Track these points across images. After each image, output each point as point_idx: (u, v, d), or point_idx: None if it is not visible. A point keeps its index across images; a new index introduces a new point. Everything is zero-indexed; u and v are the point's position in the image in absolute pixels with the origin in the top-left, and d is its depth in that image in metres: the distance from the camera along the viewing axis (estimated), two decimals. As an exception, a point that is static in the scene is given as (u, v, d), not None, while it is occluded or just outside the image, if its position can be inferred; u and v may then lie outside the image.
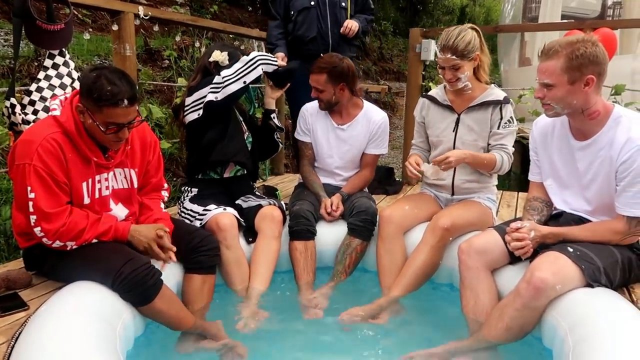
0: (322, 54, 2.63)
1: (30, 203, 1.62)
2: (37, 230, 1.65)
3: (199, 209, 2.24)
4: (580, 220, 1.84)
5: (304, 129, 2.65)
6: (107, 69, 1.66)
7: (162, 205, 2.07)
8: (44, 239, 1.67)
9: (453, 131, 2.27)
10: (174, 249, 1.85)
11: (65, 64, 2.19)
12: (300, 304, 2.12)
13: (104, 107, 1.62)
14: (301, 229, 2.31)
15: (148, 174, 2.01)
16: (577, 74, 1.64)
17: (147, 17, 2.69)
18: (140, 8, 2.65)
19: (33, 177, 1.61)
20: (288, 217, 2.39)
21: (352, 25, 3.01)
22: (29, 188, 1.61)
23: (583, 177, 1.81)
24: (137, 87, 2.77)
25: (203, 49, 2.95)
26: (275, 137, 2.57)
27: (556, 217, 1.93)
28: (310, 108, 2.65)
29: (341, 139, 2.58)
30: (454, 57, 2.09)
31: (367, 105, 2.62)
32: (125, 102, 1.63)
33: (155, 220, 1.95)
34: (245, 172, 2.48)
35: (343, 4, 3.09)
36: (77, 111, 1.68)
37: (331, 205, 2.41)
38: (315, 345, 1.89)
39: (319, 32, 3.02)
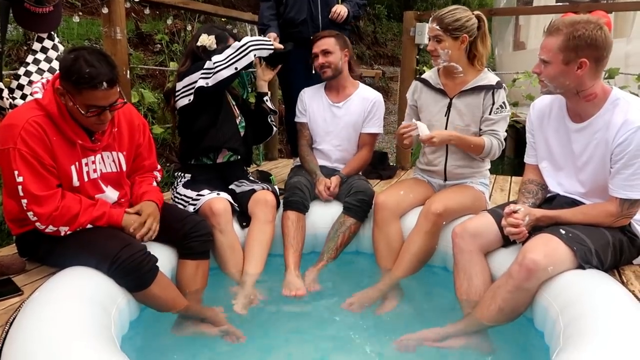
0: (312, 37, 2.63)
1: (20, 187, 1.61)
2: (30, 214, 1.64)
3: (192, 194, 2.23)
4: (574, 203, 1.84)
5: (301, 110, 2.72)
6: (86, 50, 1.61)
7: (155, 183, 2.05)
8: (37, 223, 1.66)
9: (445, 115, 2.26)
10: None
11: (55, 47, 2.15)
12: (284, 280, 2.12)
13: (83, 89, 1.59)
14: (296, 199, 2.34)
15: (140, 157, 1.99)
16: (572, 55, 1.62)
17: (137, 0, 2.65)
18: (131, -10, 2.61)
19: (19, 161, 1.59)
20: (282, 196, 2.41)
21: (340, 10, 2.99)
22: (16, 172, 1.59)
23: (578, 159, 1.81)
24: (129, 71, 2.75)
25: (195, 33, 2.92)
26: (269, 120, 2.55)
27: (550, 200, 1.94)
28: (308, 90, 2.72)
29: (337, 116, 2.63)
30: (437, 27, 2.12)
31: (362, 86, 2.70)
32: (105, 84, 1.59)
33: (142, 194, 1.93)
34: (239, 157, 2.47)
35: None
36: (58, 94, 1.65)
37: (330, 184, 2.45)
38: (310, 327, 1.91)
39: (309, 14, 2.99)
